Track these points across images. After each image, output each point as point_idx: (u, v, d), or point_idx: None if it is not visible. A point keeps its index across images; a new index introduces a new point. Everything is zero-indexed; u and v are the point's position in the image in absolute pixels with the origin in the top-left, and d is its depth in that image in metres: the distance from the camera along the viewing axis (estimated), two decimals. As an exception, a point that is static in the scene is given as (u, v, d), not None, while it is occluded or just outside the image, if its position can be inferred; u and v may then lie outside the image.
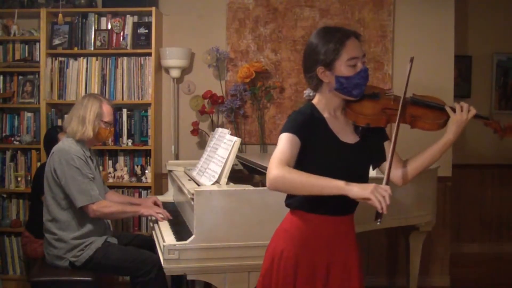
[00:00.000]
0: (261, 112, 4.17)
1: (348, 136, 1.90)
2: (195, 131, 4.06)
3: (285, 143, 1.79)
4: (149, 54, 4.03)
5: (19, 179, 4.09)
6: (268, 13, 4.18)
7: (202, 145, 4.14)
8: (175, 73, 4.07)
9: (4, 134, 4.15)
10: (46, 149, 3.65)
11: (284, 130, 1.82)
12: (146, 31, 4.05)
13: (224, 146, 2.87)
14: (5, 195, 4.16)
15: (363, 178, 1.92)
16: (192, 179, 3.10)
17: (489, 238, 5.33)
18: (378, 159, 1.97)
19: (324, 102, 1.90)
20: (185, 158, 4.13)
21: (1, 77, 4.16)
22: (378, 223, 1.67)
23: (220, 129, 3.14)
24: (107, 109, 3.07)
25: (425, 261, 4.09)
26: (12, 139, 4.08)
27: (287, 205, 1.95)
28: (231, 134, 2.91)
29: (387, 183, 1.71)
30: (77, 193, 2.87)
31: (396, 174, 1.95)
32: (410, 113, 1.90)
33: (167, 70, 4.14)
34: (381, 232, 4.10)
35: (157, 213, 3.01)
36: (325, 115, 1.90)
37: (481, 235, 5.33)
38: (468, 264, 4.87)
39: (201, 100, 4.13)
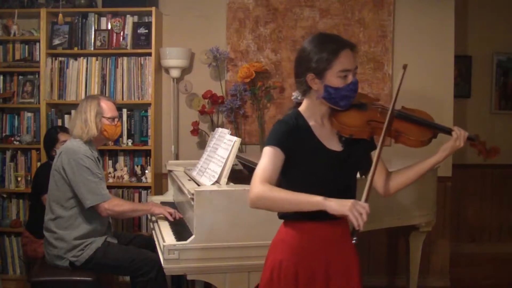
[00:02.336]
0: (261, 112, 4.17)
1: (334, 144, 1.89)
2: (195, 131, 4.06)
3: (267, 158, 1.79)
4: (149, 54, 4.03)
5: (19, 179, 4.09)
6: (268, 13, 4.18)
7: (202, 145, 4.14)
8: (175, 73, 4.07)
9: (4, 134, 4.15)
10: (46, 149, 3.66)
11: (267, 142, 1.82)
12: (146, 31, 4.05)
13: (224, 146, 2.87)
14: (5, 195, 4.16)
15: (351, 186, 1.93)
16: (192, 179, 3.10)
17: (489, 238, 5.33)
18: (364, 167, 1.96)
19: (310, 109, 1.90)
20: (185, 158, 4.13)
21: (1, 77, 4.16)
22: (354, 241, 1.67)
23: (220, 129, 3.14)
24: (106, 105, 3.07)
25: (425, 261, 4.09)
26: (12, 139, 4.08)
27: (280, 217, 1.94)
28: (231, 134, 2.91)
29: (366, 200, 1.69)
30: (88, 192, 2.87)
31: (381, 184, 1.97)
32: (395, 127, 1.89)
33: (167, 70, 4.14)
34: (381, 232, 4.10)
35: (169, 212, 3.01)
36: (311, 123, 1.89)
37: (481, 235, 5.33)
38: (468, 264, 4.87)
39: (201, 100, 4.13)
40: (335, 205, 1.65)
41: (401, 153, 2.05)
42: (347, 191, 1.90)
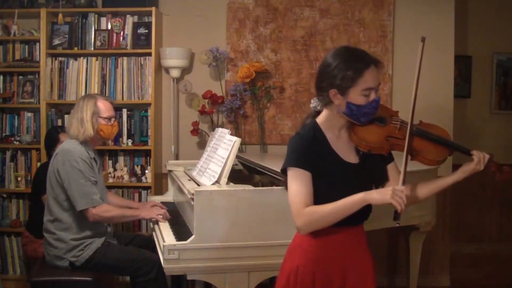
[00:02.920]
0: (261, 112, 4.17)
1: (351, 156, 1.89)
2: (195, 131, 4.06)
3: (297, 181, 1.80)
4: (149, 54, 4.03)
5: (19, 179, 4.09)
6: (268, 13, 4.18)
7: (202, 145, 4.14)
8: (175, 73, 4.07)
9: (4, 134, 4.15)
10: (47, 149, 3.66)
11: (290, 163, 1.82)
12: (146, 31, 4.05)
13: (224, 146, 2.87)
14: (5, 195, 4.16)
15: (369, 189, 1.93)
16: (192, 179, 3.09)
17: (489, 238, 5.33)
18: (380, 180, 1.96)
19: (329, 120, 1.89)
20: (185, 158, 4.13)
21: (1, 77, 4.16)
22: (397, 224, 1.76)
23: (220, 129, 3.14)
24: (103, 105, 3.06)
25: (425, 261, 4.09)
26: (12, 139, 4.08)
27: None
28: (231, 134, 2.91)
29: (403, 184, 1.77)
30: (78, 196, 2.86)
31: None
32: (413, 146, 1.88)
33: (167, 70, 4.14)
34: (381, 232, 4.10)
35: (158, 214, 3.01)
36: (328, 135, 1.88)
37: (481, 235, 5.33)
38: (468, 264, 4.87)
39: (201, 100, 4.13)
40: (378, 196, 1.72)
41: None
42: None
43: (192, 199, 2.51)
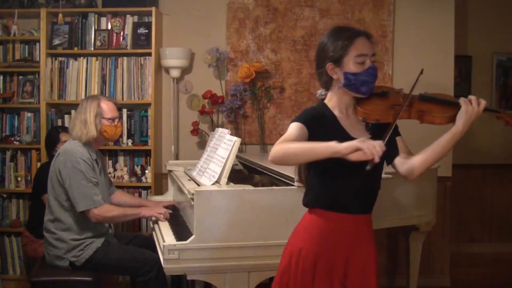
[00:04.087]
0: (261, 112, 4.17)
1: (359, 134, 1.90)
2: (195, 131, 4.06)
3: (292, 130, 1.81)
4: (149, 54, 4.03)
5: (19, 179, 4.09)
6: (268, 13, 4.18)
7: (202, 145, 4.14)
8: (175, 73, 4.07)
9: (4, 134, 4.15)
10: (47, 149, 3.66)
11: (294, 120, 1.85)
12: (146, 31, 4.05)
13: (224, 146, 2.87)
14: (5, 195, 4.16)
15: (376, 175, 1.95)
16: (192, 179, 3.10)
17: (489, 238, 5.33)
18: (391, 155, 1.95)
19: (335, 100, 1.94)
20: (185, 158, 4.13)
21: (1, 77, 4.16)
22: (368, 168, 1.65)
23: (220, 129, 3.14)
24: (107, 105, 3.06)
25: (425, 261, 4.09)
26: (12, 139, 4.08)
27: (305, 204, 1.98)
28: (231, 134, 2.91)
29: (383, 141, 1.69)
30: (79, 197, 2.86)
31: (405, 167, 1.92)
32: (418, 108, 1.91)
33: (167, 70, 4.14)
34: (381, 232, 4.10)
35: (159, 213, 3.01)
36: (336, 113, 1.93)
37: (481, 235, 5.33)
38: (468, 264, 4.87)
39: (201, 100, 4.13)
40: (345, 144, 1.63)
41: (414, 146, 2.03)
42: (373, 181, 1.93)
43: (192, 199, 2.51)
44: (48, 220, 2.99)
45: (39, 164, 3.93)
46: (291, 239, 1.98)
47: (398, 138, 1.98)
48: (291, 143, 1.74)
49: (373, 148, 1.60)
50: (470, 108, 1.82)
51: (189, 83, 4.22)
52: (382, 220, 3.17)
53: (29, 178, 4.08)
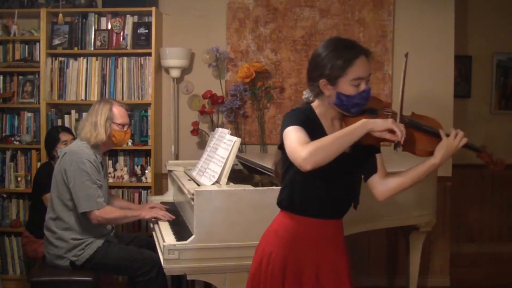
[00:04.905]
0: (261, 112, 4.17)
1: None
2: (195, 131, 4.06)
3: (296, 131, 1.76)
4: (149, 54, 4.03)
5: (19, 179, 4.09)
6: (268, 13, 4.18)
7: (202, 145, 4.14)
8: (175, 73, 4.07)
9: (4, 134, 4.15)
10: (47, 149, 3.66)
11: (290, 124, 1.80)
12: (146, 31, 4.05)
13: (224, 146, 2.87)
14: (5, 195, 4.16)
15: (355, 187, 1.95)
16: (192, 179, 3.10)
17: (489, 238, 5.33)
18: (369, 171, 1.96)
19: (322, 109, 1.90)
20: (185, 158, 4.13)
21: (1, 77, 4.15)
22: (398, 150, 1.72)
23: (220, 129, 3.14)
24: (118, 111, 3.07)
25: (425, 261, 4.09)
26: (12, 139, 4.08)
27: (278, 202, 1.96)
28: (231, 134, 2.91)
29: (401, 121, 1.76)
30: (83, 198, 2.87)
31: (379, 188, 1.94)
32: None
33: (167, 70, 4.14)
34: (381, 232, 4.10)
35: (161, 215, 3.01)
36: (323, 121, 1.90)
37: (481, 235, 5.33)
38: (468, 264, 4.87)
39: (201, 100, 4.13)
40: (380, 121, 1.69)
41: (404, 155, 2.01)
42: (352, 192, 1.93)
43: (192, 199, 2.51)
44: (50, 218, 2.99)
45: (39, 164, 3.93)
46: (262, 242, 1.97)
47: (378, 155, 1.97)
48: (318, 142, 1.68)
49: (403, 132, 1.68)
50: (450, 143, 1.80)
51: (190, 84, 4.22)
52: (382, 220, 3.18)
53: (29, 178, 4.08)
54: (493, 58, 5.23)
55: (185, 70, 4.18)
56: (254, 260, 1.97)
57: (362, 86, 1.82)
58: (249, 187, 2.58)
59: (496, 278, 4.52)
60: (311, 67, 1.88)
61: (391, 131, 1.68)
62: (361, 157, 1.90)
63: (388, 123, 1.68)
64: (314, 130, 1.83)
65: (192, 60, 4.19)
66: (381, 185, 1.94)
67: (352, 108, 1.83)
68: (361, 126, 1.68)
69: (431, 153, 1.84)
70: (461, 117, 5.04)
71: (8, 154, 4.13)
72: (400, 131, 1.67)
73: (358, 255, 4.23)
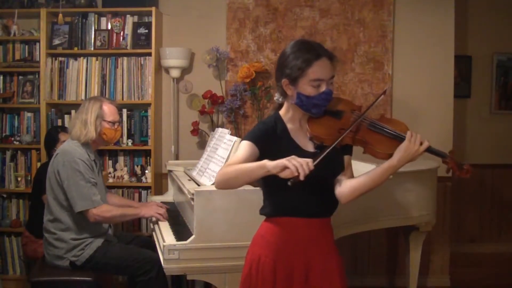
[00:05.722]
0: (261, 112, 4.17)
1: (311, 146, 1.91)
2: (195, 131, 4.06)
3: (241, 150, 1.83)
4: (149, 54, 4.03)
5: (19, 179, 4.09)
6: (268, 13, 4.18)
7: (202, 145, 4.14)
8: (175, 73, 4.07)
9: (4, 134, 4.15)
10: (47, 149, 3.66)
11: (245, 138, 1.86)
12: (146, 31, 4.05)
13: (224, 146, 2.87)
14: (5, 195, 4.16)
15: (327, 186, 1.93)
16: (192, 179, 3.10)
17: (489, 238, 5.33)
18: (337, 169, 1.94)
19: (289, 112, 1.93)
20: (185, 158, 4.13)
21: (1, 77, 4.15)
22: (289, 184, 1.66)
23: (220, 129, 3.14)
24: (108, 108, 3.06)
25: (425, 261, 4.09)
26: (12, 139, 4.08)
27: (264, 214, 1.97)
28: (231, 134, 2.91)
29: (314, 162, 1.68)
30: (78, 197, 2.86)
31: (341, 190, 1.91)
32: (363, 137, 1.86)
33: (167, 70, 4.14)
34: (381, 232, 4.10)
35: (157, 213, 3.01)
36: (289, 125, 1.92)
37: (481, 235, 5.33)
38: (468, 264, 4.87)
39: (201, 100, 4.13)
40: (274, 163, 1.67)
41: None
42: (324, 192, 1.92)
43: (192, 199, 2.51)
44: (48, 220, 2.99)
45: (39, 164, 3.93)
46: (250, 247, 1.99)
47: (346, 157, 1.96)
48: (230, 167, 1.75)
49: (300, 166, 1.63)
50: (408, 146, 1.78)
51: (190, 83, 4.22)
52: (382, 220, 3.18)
53: (29, 178, 4.08)
54: (493, 58, 5.23)
55: (185, 70, 4.18)
56: (244, 265, 1.98)
57: (322, 88, 1.83)
58: (249, 187, 2.57)
59: (496, 278, 4.52)
60: (277, 67, 1.92)
61: (287, 168, 1.64)
62: (328, 157, 1.85)
63: (282, 161, 1.65)
64: (279, 137, 1.88)
65: (192, 60, 4.19)
66: (343, 186, 1.91)
67: (312, 108, 1.85)
68: (259, 167, 1.70)
69: (390, 156, 1.82)
70: (461, 117, 5.04)
71: (8, 154, 4.13)
72: (294, 166, 1.62)
73: (358, 255, 4.23)
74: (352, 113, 1.91)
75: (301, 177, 1.63)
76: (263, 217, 1.99)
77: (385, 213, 3.14)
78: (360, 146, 1.89)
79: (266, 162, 1.69)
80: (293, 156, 1.66)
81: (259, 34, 4.19)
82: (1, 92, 4.14)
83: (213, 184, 2.70)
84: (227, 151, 2.78)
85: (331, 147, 1.80)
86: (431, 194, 3.47)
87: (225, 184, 1.78)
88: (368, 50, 4.14)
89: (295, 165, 1.63)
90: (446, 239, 4.28)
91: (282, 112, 1.95)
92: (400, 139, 1.82)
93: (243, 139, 1.87)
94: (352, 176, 1.97)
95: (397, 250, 4.26)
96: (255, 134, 1.86)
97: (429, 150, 1.81)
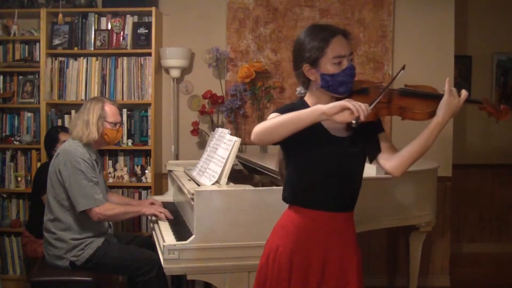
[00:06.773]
0: (261, 112, 4.17)
1: (340, 131, 1.88)
2: (195, 131, 4.06)
3: (271, 116, 1.80)
4: (149, 54, 4.03)
5: (19, 179, 4.09)
6: (268, 13, 4.18)
7: (202, 145, 4.14)
8: (175, 73, 4.07)
9: (4, 134, 4.15)
10: (47, 149, 3.66)
11: (274, 111, 1.84)
12: (146, 31, 4.05)
13: (224, 146, 2.87)
14: (5, 195, 4.16)
15: (357, 172, 1.93)
16: (192, 179, 3.10)
17: (489, 238, 5.33)
18: (373, 151, 1.94)
19: (314, 99, 1.91)
20: (185, 158, 4.13)
21: (1, 77, 4.15)
22: (353, 124, 1.66)
23: (220, 129, 3.14)
24: (110, 109, 3.07)
25: (425, 261, 4.09)
26: (12, 139, 4.08)
27: (283, 198, 1.97)
28: (231, 134, 2.91)
29: (370, 106, 1.71)
30: (80, 197, 2.87)
31: (391, 164, 1.90)
32: (398, 104, 1.87)
33: (167, 70, 4.14)
34: (381, 232, 4.10)
35: (160, 212, 3.01)
36: None
37: (481, 235, 5.33)
38: (468, 264, 4.88)
39: (201, 100, 4.13)
40: (331, 104, 1.66)
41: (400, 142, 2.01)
42: (353, 178, 1.91)
43: (192, 199, 2.51)
44: (48, 220, 2.99)
45: (39, 164, 3.93)
46: (270, 237, 1.98)
47: (381, 135, 1.95)
48: (270, 120, 1.73)
49: (359, 107, 1.63)
50: (451, 99, 1.81)
51: (190, 84, 4.22)
52: (382, 220, 3.18)
53: (29, 178, 4.08)
54: (493, 58, 5.24)
55: (185, 70, 4.18)
56: (262, 254, 1.98)
57: (344, 64, 1.83)
58: (249, 187, 2.58)
59: (496, 278, 4.53)
60: (294, 55, 1.92)
61: (347, 109, 1.64)
62: (361, 140, 1.87)
63: (338, 102, 1.65)
64: None
65: (192, 60, 4.19)
66: (392, 162, 1.90)
67: (339, 87, 1.84)
68: (311, 111, 1.68)
69: (431, 114, 1.83)
70: (461, 117, 5.04)
71: (8, 154, 4.13)
72: (354, 107, 1.63)
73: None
74: (377, 88, 1.92)
75: (362, 117, 1.63)
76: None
77: (385, 213, 3.14)
78: (397, 115, 1.88)
79: (319, 105, 1.67)
80: (348, 99, 1.66)
81: (259, 34, 4.19)
82: (1, 92, 4.14)
83: (213, 183, 2.71)
84: (227, 151, 2.78)
85: (381, 94, 1.79)
86: (431, 194, 3.47)
87: (266, 133, 1.72)
88: (368, 50, 4.14)
89: (355, 105, 1.62)
90: (446, 239, 4.28)
91: (307, 98, 1.93)
92: (434, 97, 1.85)
93: (273, 112, 1.83)
94: (396, 149, 1.94)
95: (397, 250, 4.26)
96: (284, 108, 1.84)
97: (468, 99, 1.85)
